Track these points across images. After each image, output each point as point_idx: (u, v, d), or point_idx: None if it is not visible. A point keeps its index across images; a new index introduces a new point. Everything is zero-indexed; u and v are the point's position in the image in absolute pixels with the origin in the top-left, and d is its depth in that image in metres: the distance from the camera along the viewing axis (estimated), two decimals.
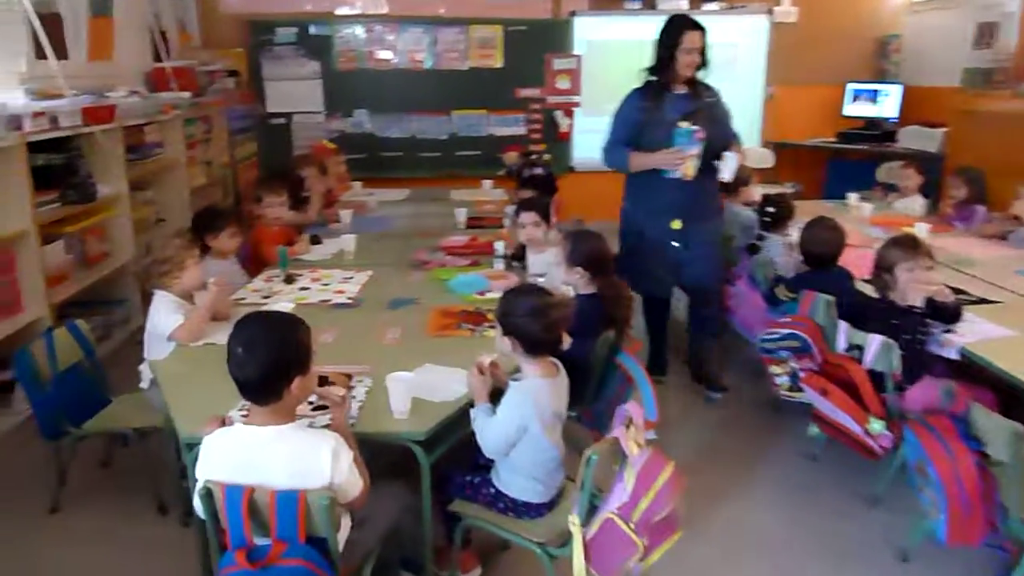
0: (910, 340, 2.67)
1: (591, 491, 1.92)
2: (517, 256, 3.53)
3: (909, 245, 2.79)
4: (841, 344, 2.81)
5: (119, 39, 4.99)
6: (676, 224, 3.45)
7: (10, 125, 3.16)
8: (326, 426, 1.90)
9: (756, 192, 4.42)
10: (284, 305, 2.87)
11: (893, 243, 2.85)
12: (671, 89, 3.38)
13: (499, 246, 3.56)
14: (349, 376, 2.28)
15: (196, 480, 1.77)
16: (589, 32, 6.77)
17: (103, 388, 2.90)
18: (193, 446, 1.95)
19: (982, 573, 2.45)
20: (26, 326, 3.30)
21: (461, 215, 4.45)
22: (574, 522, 1.88)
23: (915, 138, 6.27)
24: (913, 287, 2.73)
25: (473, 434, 2.08)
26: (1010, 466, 2.04)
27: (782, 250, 3.65)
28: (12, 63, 3.83)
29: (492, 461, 2.12)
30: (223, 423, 1.87)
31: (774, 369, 3.05)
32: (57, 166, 3.64)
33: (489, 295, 3.09)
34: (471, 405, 2.08)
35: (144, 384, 2.78)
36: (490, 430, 2.01)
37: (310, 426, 1.90)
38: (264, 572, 1.65)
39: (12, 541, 2.63)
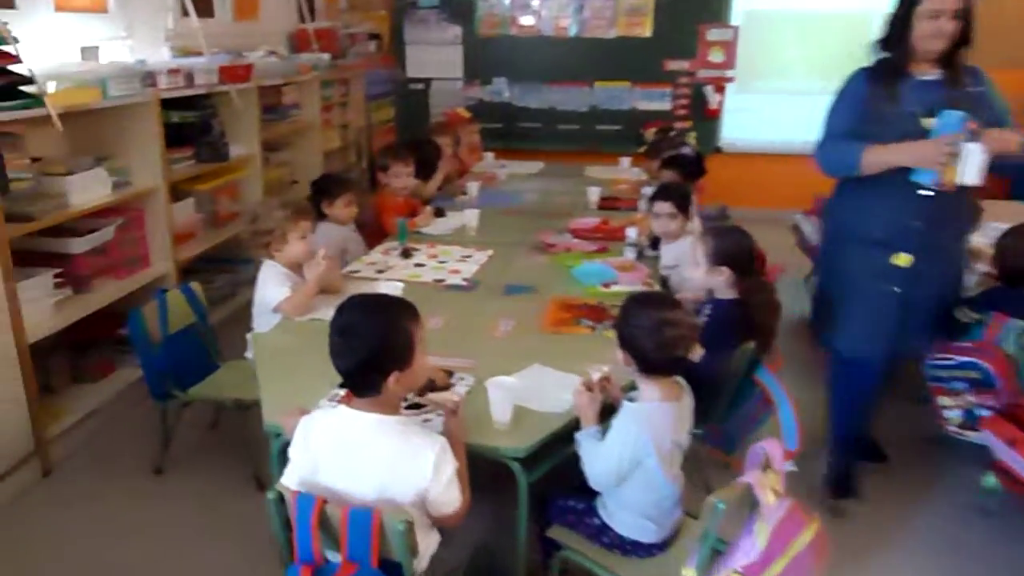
0: None
1: (714, 538, 1.63)
2: (653, 244, 3.21)
3: None
4: None
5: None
6: (903, 260, 2.36)
7: (145, 81, 3.15)
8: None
9: None
10: (394, 286, 2.68)
11: None
12: (910, 72, 2.34)
13: (631, 232, 3.24)
14: (450, 373, 2.07)
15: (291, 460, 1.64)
16: (748, 0, 6.22)
17: (213, 353, 2.86)
18: (278, 435, 1.82)
19: None
20: (151, 282, 3.32)
21: (594, 194, 4.16)
22: (689, 575, 1.59)
23: None
24: None
25: None
26: None
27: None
28: (158, 21, 3.87)
29: None
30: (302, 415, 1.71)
31: (944, 400, 2.58)
32: (191, 124, 3.64)
33: (615, 288, 2.81)
34: (578, 424, 1.81)
35: (249, 354, 2.70)
36: (597, 461, 1.74)
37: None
38: None
39: (110, 499, 2.63)
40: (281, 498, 1.54)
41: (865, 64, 2.45)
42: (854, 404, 2.62)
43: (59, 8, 3.16)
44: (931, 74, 2.33)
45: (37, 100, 2.59)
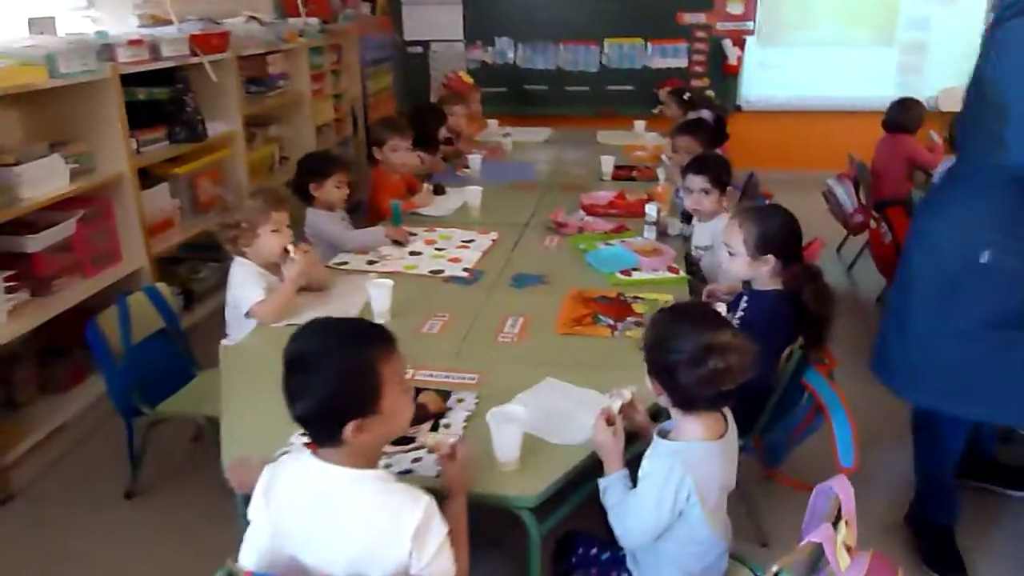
0: None
1: None
2: (686, 217, 2.88)
3: None
4: None
5: None
6: None
7: (102, 55, 2.80)
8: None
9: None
10: (382, 284, 2.25)
11: None
12: None
13: (651, 209, 2.87)
14: (446, 395, 1.74)
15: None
16: None
17: (189, 360, 2.56)
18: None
19: None
20: (124, 278, 3.01)
21: (607, 164, 3.80)
22: None
23: None
24: None
25: None
26: None
27: None
28: None
29: None
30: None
31: None
32: (162, 101, 3.29)
33: (637, 275, 2.47)
34: (600, 465, 1.48)
35: None
36: (629, 517, 1.39)
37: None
38: None
39: (75, 529, 2.35)
40: None
41: None
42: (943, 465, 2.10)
43: None
44: None
45: None
